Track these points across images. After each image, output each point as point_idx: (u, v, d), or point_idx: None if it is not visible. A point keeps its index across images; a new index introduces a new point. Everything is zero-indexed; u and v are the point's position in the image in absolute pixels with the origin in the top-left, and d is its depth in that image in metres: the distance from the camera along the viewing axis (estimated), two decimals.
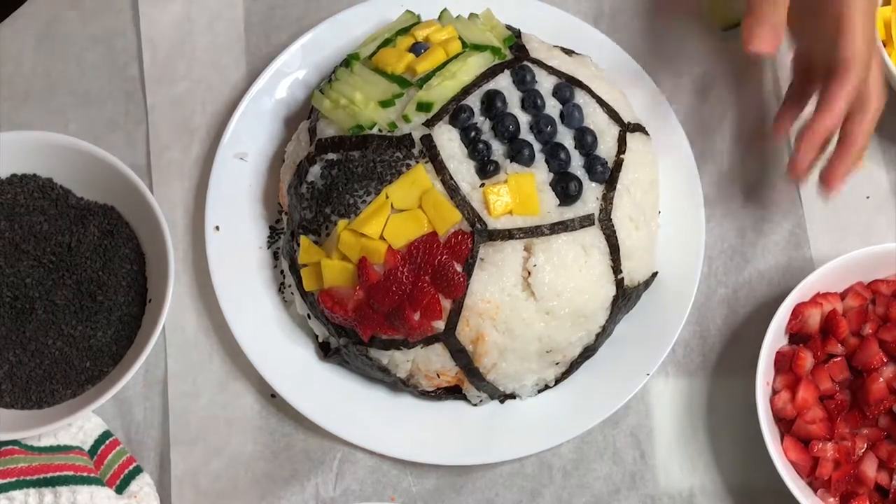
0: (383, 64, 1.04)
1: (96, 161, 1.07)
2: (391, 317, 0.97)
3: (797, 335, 1.07)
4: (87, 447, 1.05)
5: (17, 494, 1.00)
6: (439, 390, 1.05)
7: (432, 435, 1.05)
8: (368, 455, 1.06)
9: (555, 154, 1.00)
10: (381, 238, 0.97)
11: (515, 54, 1.04)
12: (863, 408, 1.04)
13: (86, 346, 1.05)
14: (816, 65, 1.03)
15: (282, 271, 1.08)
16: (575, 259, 0.99)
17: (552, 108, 1.02)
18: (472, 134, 1.00)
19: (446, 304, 0.97)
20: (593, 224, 1.00)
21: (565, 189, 0.99)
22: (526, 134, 1.01)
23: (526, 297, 0.99)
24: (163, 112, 1.15)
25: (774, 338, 1.05)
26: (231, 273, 1.07)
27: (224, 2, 1.18)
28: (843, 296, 1.08)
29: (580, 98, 1.04)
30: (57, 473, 1.01)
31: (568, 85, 1.04)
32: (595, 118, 1.04)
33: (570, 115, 1.02)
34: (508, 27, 1.08)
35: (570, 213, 0.99)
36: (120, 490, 1.03)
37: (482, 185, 0.98)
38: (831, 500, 1.03)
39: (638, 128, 1.08)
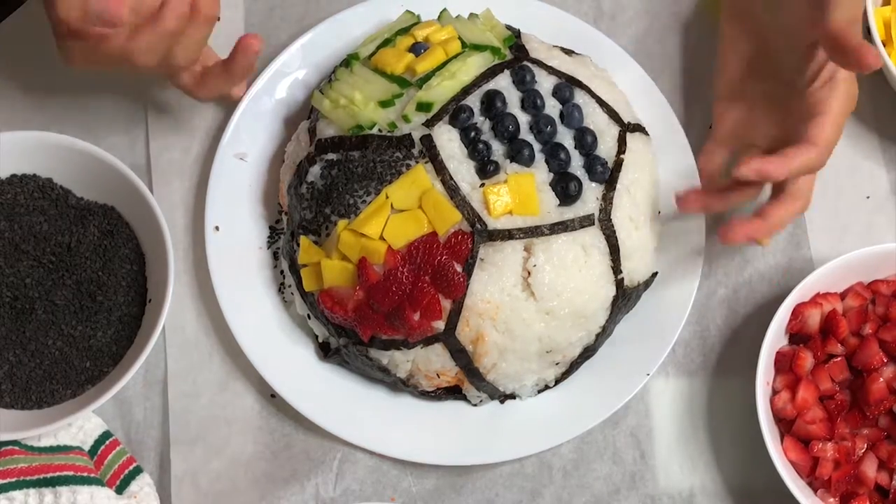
0: (383, 64, 1.04)
1: (96, 161, 1.07)
2: (391, 317, 0.97)
3: (797, 335, 1.07)
4: (87, 447, 1.05)
5: (17, 495, 0.99)
6: (439, 390, 1.05)
7: (432, 435, 1.05)
8: (368, 455, 1.06)
9: (555, 154, 1.00)
10: (381, 238, 0.97)
11: (515, 54, 1.04)
12: (863, 408, 1.04)
13: (86, 346, 1.05)
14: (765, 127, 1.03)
15: (282, 271, 1.08)
16: (575, 259, 0.99)
17: (552, 108, 1.02)
18: (472, 134, 1.00)
19: (446, 304, 0.97)
20: (593, 224, 1.00)
21: (565, 189, 0.99)
22: (526, 134, 1.01)
23: (526, 297, 0.99)
24: (163, 112, 1.14)
25: (774, 338, 1.05)
26: (231, 273, 1.07)
27: (224, 1, 1.17)
28: (843, 296, 1.08)
29: (580, 98, 1.04)
30: (57, 474, 1.01)
31: (568, 85, 1.04)
32: (595, 118, 1.04)
33: (570, 115, 1.02)
34: (508, 27, 1.08)
35: (570, 213, 0.99)
36: (120, 490, 1.03)
37: (482, 185, 0.98)
38: (831, 500, 1.03)
39: (638, 128, 1.08)
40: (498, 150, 1.00)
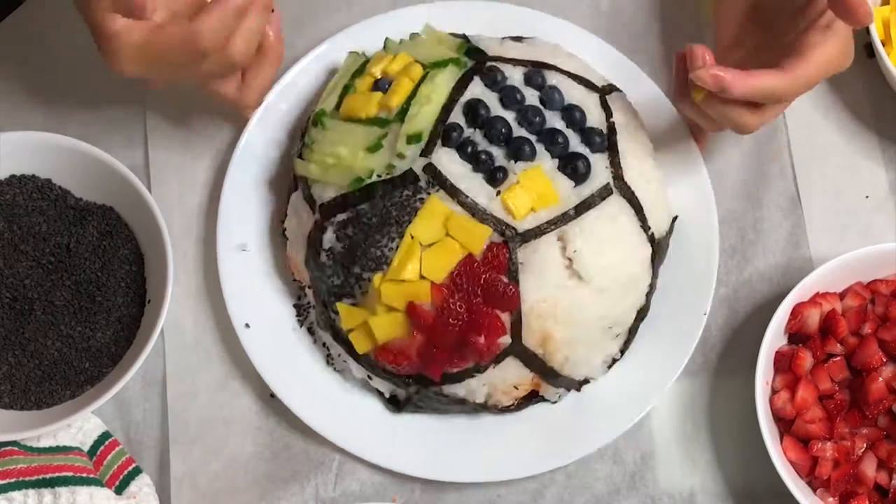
0: (354, 111, 1.02)
1: (95, 162, 1.07)
2: (458, 349, 0.97)
3: (797, 335, 1.07)
4: (86, 448, 1.05)
5: (17, 495, 0.99)
6: (517, 401, 1.04)
7: (440, 448, 1.05)
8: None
9: (552, 140, 0.99)
10: (422, 277, 0.95)
11: (475, 58, 1.03)
12: (862, 407, 1.04)
13: (85, 346, 1.05)
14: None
15: (324, 344, 1.06)
16: (608, 232, 0.99)
17: (531, 97, 1.02)
18: (470, 149, 0.99)
19: (505, 317, 0.96)
20: (612, 192, 1.00)
21: (575, 169, 0.99)
22: (518, 130, 1.00)
23: (576, 283, 0.98)
24: (161, 112, 1.14)
25: (774, 338, 1.05)
26: (271, 362, 1.06)
27: None
28: (842, 296, 1.08)
29: (552, 79, 1.03)
30: (56, 474, 1.01)
31: (537, 70, 1.03)
32: (573, 92, 1.03)
33: (551, 98, 1.02)
34: (453, 34, 1.08)
35: (586, 190, 0.99)
36: (119, 491, 1.03)
37: (498, 192, 0.97)
38: (830, 499, 1.03)
39: (612, 88, 1.07)
40: (499, 155, 0.99)
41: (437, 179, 0.97)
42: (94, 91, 1.15)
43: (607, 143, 1.02)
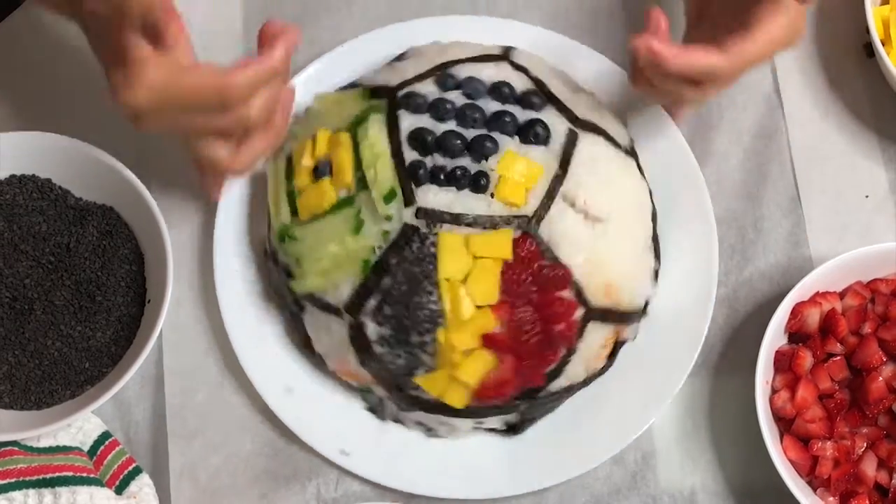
0: (315, 208, 0.99)
1: (95, 161, 1.07)
2: (546, 347, 0.97)
3: (796, 334, 1.07)
4: (86, 448, 1.05)
5: (17, 495, 0.99)
6: (607, 358, 1.05)
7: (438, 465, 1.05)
8: None
9: (501, 123, 0.99)
10: (479, 308, 0.95)
11: (384, 96, 1.02)
12: (862, 407, 1.04)
13: (85, 346, 1.05)
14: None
15: (418, 422, 1.04)
16: (597, 168, 1.00)
17: (457, 98, 1.01)
18: (441, 175, 0.97)
19: (567, 293, 0.97)
20: (577, 134, 1.00)
21: (536, 136, 0.99)
22: (469, 133, 0.99)
23: (601, 227, 0.99)
24: None
25: (773, 337, 1.05)
26: (267, 372, 1.06)
27: (223, 2, 1.18)
28: (842, 295, 1.08)
29: (462, 72, 1.02)
30: (56, 474, 1.01)
31: (445, 73, 1.02)
32: (486, 72, 1.02)
33: (474, 89, 1.01)
34: (342, 88, 1.07)
35: (556, 145, 0.99)
36: (119, 490, 1.03)
37: (491, 195, 0.97)
38: (831, 499, 1.03)
39: (509, 48, 1.08)
40: (468, 163, 0.98)
41: (434, 217, 0.96)
42: (93, 91, 1.14)
43: (545, 96, 1.02)
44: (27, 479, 1.00)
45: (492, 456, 1.05)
